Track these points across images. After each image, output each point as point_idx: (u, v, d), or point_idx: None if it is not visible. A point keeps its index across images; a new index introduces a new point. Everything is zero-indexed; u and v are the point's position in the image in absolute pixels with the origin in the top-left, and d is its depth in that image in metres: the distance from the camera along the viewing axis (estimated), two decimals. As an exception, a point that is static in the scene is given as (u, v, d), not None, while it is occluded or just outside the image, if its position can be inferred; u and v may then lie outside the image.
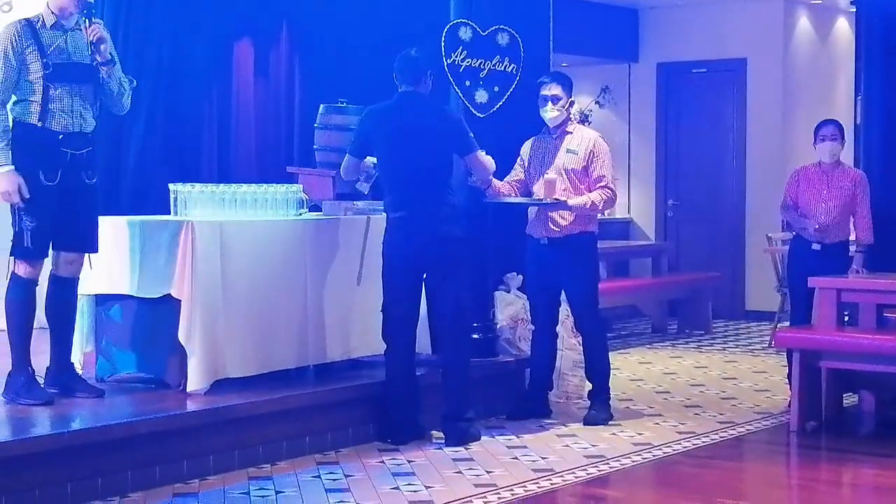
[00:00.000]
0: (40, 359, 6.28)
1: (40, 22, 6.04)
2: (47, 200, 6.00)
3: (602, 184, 7.28)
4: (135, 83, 6.42)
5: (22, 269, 6.05)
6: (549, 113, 7.30)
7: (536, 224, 7.37)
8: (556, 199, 7.18)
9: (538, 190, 7.29)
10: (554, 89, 7.29)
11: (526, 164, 7.43)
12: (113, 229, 6.61)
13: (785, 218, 7.82)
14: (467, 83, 7.66)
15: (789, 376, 7.46)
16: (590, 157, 7.30)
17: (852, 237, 7.83)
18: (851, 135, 10.86)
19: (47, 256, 6.13)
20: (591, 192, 7.26)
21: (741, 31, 12.65)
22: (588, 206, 7.23)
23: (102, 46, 6.12)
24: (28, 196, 5.95)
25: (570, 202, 7.19)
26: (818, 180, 7.75)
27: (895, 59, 8.32)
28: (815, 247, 7.67)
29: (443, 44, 7.55)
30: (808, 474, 6.65)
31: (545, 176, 7.24)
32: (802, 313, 7.74)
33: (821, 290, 7.48)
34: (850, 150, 11.58)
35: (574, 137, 7.37)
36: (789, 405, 7.40)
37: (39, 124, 6.00)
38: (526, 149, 7.46)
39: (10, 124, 5.98)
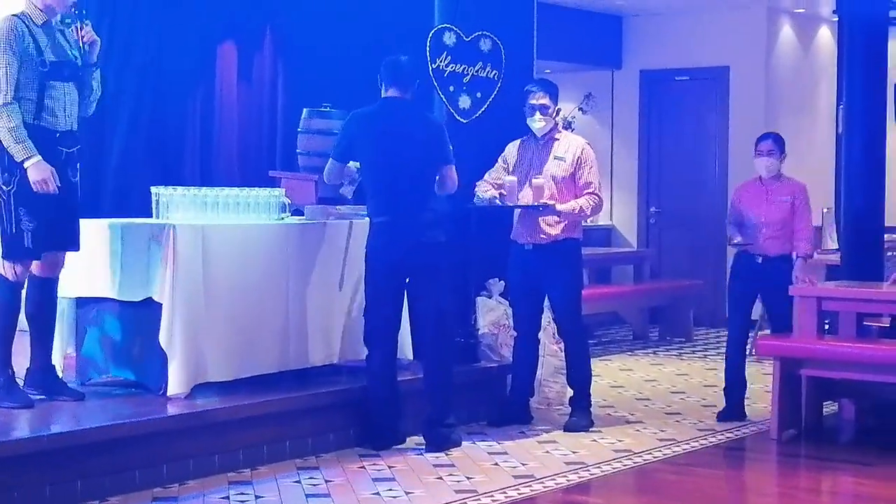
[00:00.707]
0: (19, 361, 6.25)
1: (29, 19, 6.03)
2: (45, 200, 5.99)
3: (589, 190, 7.31)
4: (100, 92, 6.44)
5: (11, 272, 6.03)
6: (538, 123, 7.31)
7: (522, 230, 7.37)
8: (545, 204, 7.19)
9: (524, 195, 7.29)
10: (542, 98, 7.31)
11: (511, 168, 7.42)
12: (95, 232, 6.59)
13: (729, 233, 7.79)
14: (451, 88, 7.67)
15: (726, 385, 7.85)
16: (577, 164, 7.32)
17: None
18: (833, 144, 10.94)
19: (39, 258, 6.11)
20: (577, 198, 7.27)
21: (724, 38, 12.69)
22: (577, 212, 7.26)
23: (96, 48, 6.17)
24: (59, 185, 5.96)
25: (559, 207, 7.21)
26: (758, 194, 7.76)
27: (877, 69, 8.34)
28: (758, 260, 7.64)
29: (428, 49, 7.55)
30: (787, 482, 6.67)
31: (533, 181, 7.24)
32: (738, 326, 7.83)
33: (801, 299, 7.50)
34: (830, 158, 11.67)
35: (561, 144, 7.38)
36: (720, 413, 7.72)
37: (35, 122, 5.99)
38: (511, 152, 7.46)
39: None
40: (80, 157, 6.23)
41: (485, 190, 7.36)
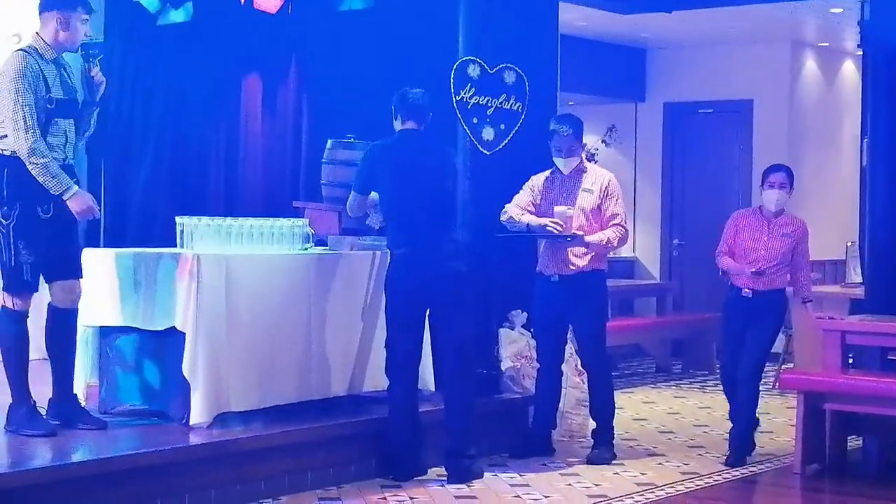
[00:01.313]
0: (43, 390, 6.27)
1: (38, 54, 6.08)
2: (43, 233, 6.03)
3: (616, 222, 7.32)
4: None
5: (13, 303, 6.05)
6: (563, 164, 7.31)
7: (548, 261, 7.35)
8: (575, 234, 7.19)
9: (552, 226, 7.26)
10: (570, 139, 7.29)
11: (538, 200, 7.40)
12: (119, 261, 6.62)
13: (720, 265, 7.58)
14: (475, 120, 7.70)
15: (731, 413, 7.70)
16: (604, 195, 7.32)
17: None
18: (857, 177, 10.90)
19: (37, 290, 6.14)
20: (604, 230, 7.28)
21: (748, 72, 12.69)
22: (604, 244, 7.27)
23: (102, 89, 6.21)
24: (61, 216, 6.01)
25: (588, 239, 7.21)
26: (759, 225, 7.56)
27: (901, 103, 8.32)
28: (746, 293, 7.45)
29: (452, 80, 7.58)
30: (811, 517, 6.63)
31: (557, 209, 7.23)
32: (729, 360, 7.64)
33: (825, 332, 7.47)
34: (854, 192, 11.63)
35: (589, 176, 7.39)
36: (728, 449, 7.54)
37: None
38: (539, 182, 7.43)
39: (9, 155, 5.99)
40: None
41: (520, 214, 7.33)
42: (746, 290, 7.47)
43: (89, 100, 6.27)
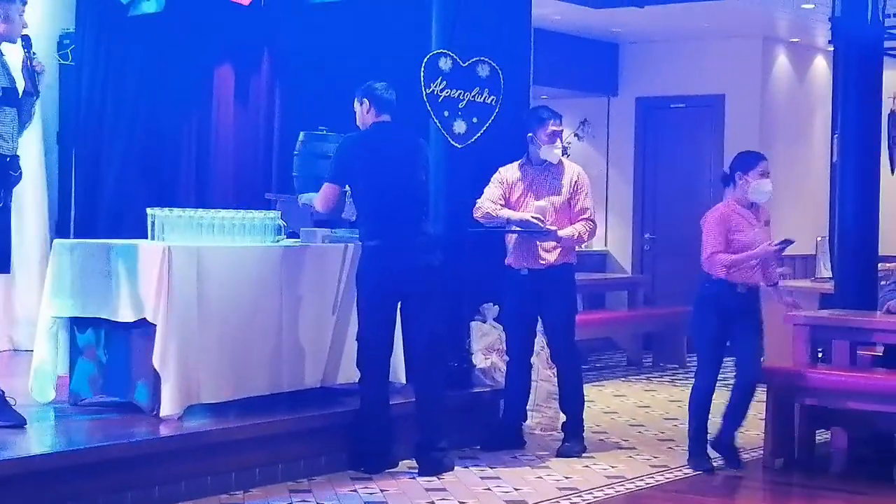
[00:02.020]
0: (13, 382, 6.24)
1: None
2: (3, 222, 6.01)
3: (585, 216, 7.34)
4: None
5: None
6: (558, 149, 7.35)
7: (519, 255, 7.36)
8: (548, 229, 7.21)
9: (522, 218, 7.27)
10: (560, 126, 7.42)
11: (509, 194, 7.39)
12: (90, 252, 6.60)
13: (725, 263, 7.08)
14: (446, 113, 7.68)
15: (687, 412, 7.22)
16: (574, 190, 7.34)
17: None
18: (828, 172, 10.94)
19: None
20: (573, 223, 7.29)
21: (720, 67, 12.74)
22: (575, 238, 7.29)
23: (42, 78, 6.20)
24: None
25: (560, 233, 7.23)
26: (747, 219, 7.20)
27: (872, 98, 8.36)
28: (741, 289, 7.09)
29: (422, 74, 7.56)
30: (779, 510, 6.66)
31: (534, 203, 7.24)
32: (714, 360, 7.16)
33: (795, 327, 7.51)
34: (825, 187, 11.69)
35: (562, 169, 7.41)
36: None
37: None
38: (509, 176, 7.42)
39: None
40: (19, 180, 6.21)
41: (496, 209, 7.31)
42: (742, 287, 7.08)
43: (30, 90, 6.22)
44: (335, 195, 6.90)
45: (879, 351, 7.74)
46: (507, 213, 7.30)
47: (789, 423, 7.34)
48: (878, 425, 7.53)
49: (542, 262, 7.30)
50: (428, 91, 7.58)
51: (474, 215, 7.38)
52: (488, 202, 7.35)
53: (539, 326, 7.57)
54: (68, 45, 9.13)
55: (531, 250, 7.32)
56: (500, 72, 7.84)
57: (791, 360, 7.53)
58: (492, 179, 7.44)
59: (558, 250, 7.30)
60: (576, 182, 7.36)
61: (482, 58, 7.81)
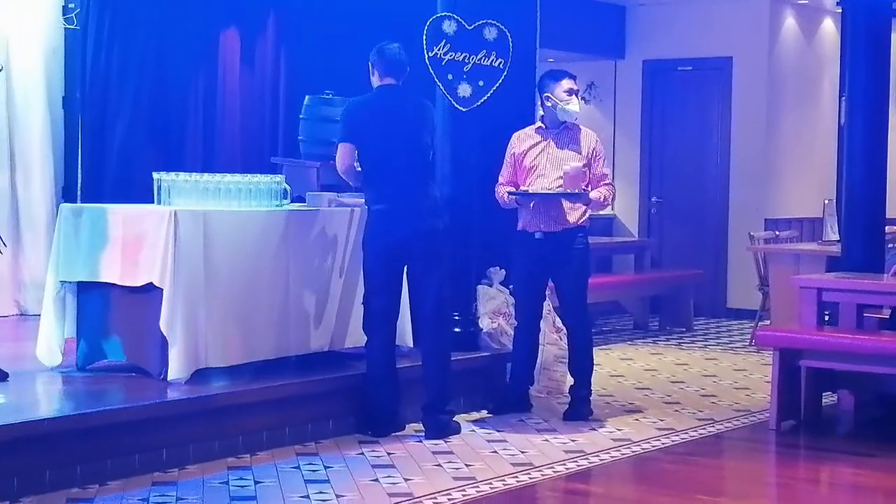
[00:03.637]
0: (23, 346, 6.25)
1: None
2: None
3: (606, 182, 7.35)
4: None
5: None
6: (575, 106, 7.32)
7: (536, 218, 7.30)
8: (580, 191, 7.20)
9: (549, 185, 7.23)
10: (576, 84, 7.38)
11: (522, 160, 7.35)
12: (96, 217, 6.60)
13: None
14: (450, 77, 7.63)
15: None
16: (592, 156, 7.32)
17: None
18: (835, 135, 10.92)
19: None
20: (595, 188, 7.28)
21: (727, 29, 12.68)
22: (602, 201, 7.30)
23: None
24: None
25: (591, 195, 7.22)
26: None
27: (880, 60, 8.33)
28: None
29: (425, 37, 7.52)
30: (786, 472, 6.68)
31: (571, 166, 7.22)
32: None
33: (802, 290, 7.51)
34: (832, 149, 11.66)
35: (579, 132, 7.38)
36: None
37: None
38: (522, 145, 7.38)
39: None
40: None
41: (507, 196, 7.28)
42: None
43: None
44: (350, 153, 6.77)
45: (886, 314, 7.74)
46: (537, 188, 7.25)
47: (796, 385, 7.35)
48: (885, 387, 7.55)
49: (561, 224, 7.25)
50: (431, 54, 7.54)
51: (499, 201, 7.38)
52: (500, 188, 7.37)
53: (547, 290, 7.57)
54: (73, 10, 9.09)
55: (553, 213, 7.25)
56: (508, 35, 7.78)
57: (798, 323, 7.53)
58: (505, 160, 7.42)
59: (581, 210, 7.28)
60: (594, 149, 7.35)
61: (489, 20, 7.76)
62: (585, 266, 7.46)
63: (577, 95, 7.37)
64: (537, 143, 7.36)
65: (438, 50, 7.57)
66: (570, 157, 7.28)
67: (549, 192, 7.22)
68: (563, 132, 7.35)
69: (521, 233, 7.39)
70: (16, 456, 5.34)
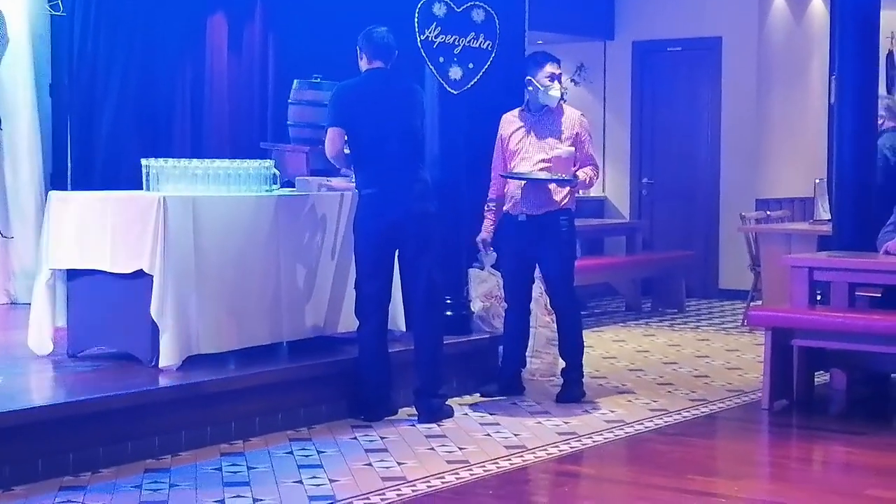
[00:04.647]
0: (14, 334, 6.23)
1: None
2: None
3: (592, 163, 7.34)
4: None
5: None
6: (557, 91, 7.29)
7: (522, 201, 7.29)
8: (574, 175, 7.21)
9: (531, 168, 7.22)
10: (558, 69, 7.36)
11: (507, 143, 7.35)
12: (85, 204, 6.58)
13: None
14: (441, 59, 7.62)
15: None
16: (576, 138, 7.31)
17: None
18: (825, 114, 10.91)
19: None
20: (580, 169, 7.28)
21: (716, 9, 12.65)
22: (586, 182, 7.30)
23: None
24: None
25: (578, 175, 7.22)
26: None
27: (869, 40, 8.31)
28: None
29: (416, 20, 7.50)
30: (779, 452, 6.68)
31: (560, 149, 7.21)
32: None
33: (793, 269, 7.51)
34: (823, 129, 11.66)
35: (561, 115, 7.36)
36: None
37: None
38: (508, 127, 7.38)
39: None
40: None
41: (495, 194, 7.41)
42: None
43: None
44: (339, 137, 6.75)
45: (878, 293, 7.75)
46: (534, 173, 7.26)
47: (788, 365, 7.35)
48: (877, 366, 7.56)
49: (545, 207, 7.25)
50: (422, 37, 7.52)
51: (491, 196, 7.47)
52: (492, 183, 7.41)
53: (537, 272, 7.56)
54: (58, -5, 9.05)
55: (536, 197, 7.26)
56: (495, 16, 7.77)
57: (789, 303, 7.53)
58: (495, 148, 7.43)
59: (564, 191, 7.27)
60: (578, 132, 7.33)
61: (476, 2, 7.74)
62: (570, 248, 7.44)
63: (558, 80, 7.34)
64: (521, 127, 7.36)
65: (430, 32, 7.55)
66: (553, 141, 7.27)
67: (539, 177, 7.21)
68: (545, 115, 7.34)
69: (506, 215, 7.40)
70: (7, 444, 5.33)
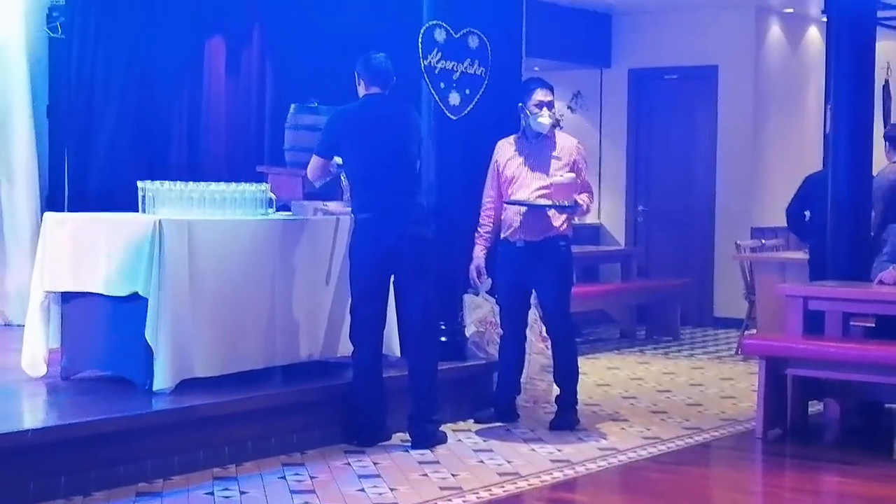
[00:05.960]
0: (8, 356, 6.22)
1: None
2: None
3: (589, 190, 7.39)
4: None
5: None
6: (546, 119, 7.28)
7: (520, 228, 7.29)
8: (566, 203, 7.20)
9: (529, 195, 7.23)
10: (549, 95, 7.33)
11: (503, 169, 7.36)
12: (81, 226, 6.58)
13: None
14: (442, 85, 7.66)
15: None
16: (574, 165, 7.31)
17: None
18: (821, 143, 10.92)
19: None
20: (575, 196, 7.28)
21: (713, 38, 12.70)
22: (585, 209, 7.32)
23: None
24: None
25: (578, 200, 7.23)
26: None
27: (864, 69, 8.33)
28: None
29: (420, 45, 7.54)
30: (772, 481, 6.68)
31: (562, 176, 7.22)
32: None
33: (788, 298, 7.51)
34: (818, 158, 11.66)
35: (556, 142, 7.37)
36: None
37: None
38: (504, 154, 7.39)
39: None
40: None
41: (488, 220, 7.40)
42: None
43: None
44: (320, 166, 6.87)
45: (872, 322, 7.75)
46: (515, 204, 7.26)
47: (782, 394, 7.35)
48: (871, 396, 7.56)
49: (543, 233, 7.25)
50: (425, 62, 7.56)
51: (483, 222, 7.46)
52: (484, 209, 7.40)
53: (533, 299, 7.56)
54: (57, 18, 9.07)
55: (535, 223, 7.25)
56: (488, 43, 7.81)
57: (784, 332, 7.53)
58: (488, 173, 7.43)
59: (563, 217, 7.27)
60: (575, 159, 7.33)
61: (472, 29, 7.78)
62: (568, 274, 7.45)
63: (549, 107, 7.31)
64: (516, 154, 7.36)
65: (432, 58, 7.59)
66: (552, 167, 7.27)
67: (542, 203, 7.21)
68: (542, 142, 7.35)
69: (504, 242, 7.40)
70: (0, 467, 5.31)
